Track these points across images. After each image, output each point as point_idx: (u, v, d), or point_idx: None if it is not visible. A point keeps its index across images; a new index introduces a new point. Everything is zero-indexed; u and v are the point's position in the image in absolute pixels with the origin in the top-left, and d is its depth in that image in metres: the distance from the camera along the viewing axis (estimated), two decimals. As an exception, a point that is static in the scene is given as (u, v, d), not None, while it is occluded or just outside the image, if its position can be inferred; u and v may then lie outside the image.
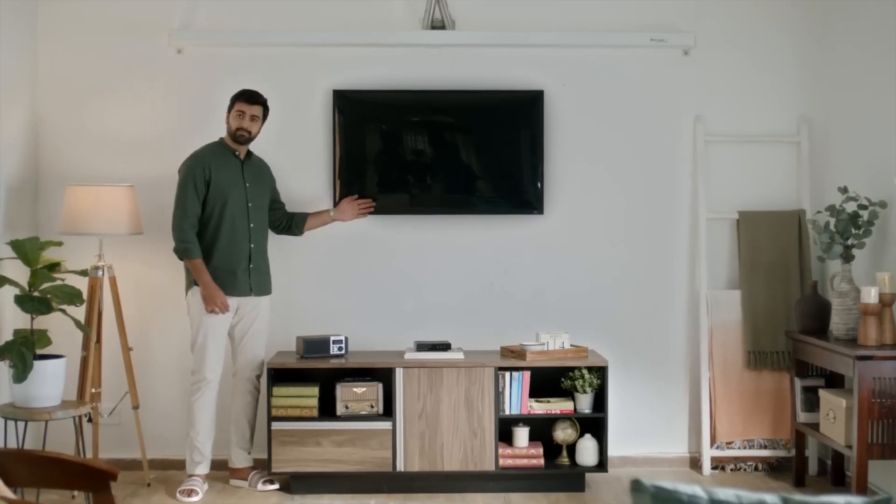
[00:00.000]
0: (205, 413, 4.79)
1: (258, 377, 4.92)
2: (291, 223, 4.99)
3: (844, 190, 4.73)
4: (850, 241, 4.68)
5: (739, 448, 5.20)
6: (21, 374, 4.38)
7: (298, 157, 5.25)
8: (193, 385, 4.81)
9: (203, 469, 4.85)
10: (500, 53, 5.23)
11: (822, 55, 5.25)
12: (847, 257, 4.70)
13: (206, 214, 4.74)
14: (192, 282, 4.74)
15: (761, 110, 5.28)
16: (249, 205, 4.77)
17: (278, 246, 5.17)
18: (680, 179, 5.29)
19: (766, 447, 5.21)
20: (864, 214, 4.69)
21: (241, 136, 4.77)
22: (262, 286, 4.86)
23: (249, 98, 4.76)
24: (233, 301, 4.78)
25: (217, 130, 4.95)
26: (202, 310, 4.71)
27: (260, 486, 4.88)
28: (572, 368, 4.86)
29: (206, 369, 4.77)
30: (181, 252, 4.68)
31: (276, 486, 4.88)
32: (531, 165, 5.21)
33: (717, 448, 5.20)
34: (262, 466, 4.95)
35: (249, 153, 4.88)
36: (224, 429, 4.96)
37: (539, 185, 5.19)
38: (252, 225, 4.77)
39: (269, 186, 4.94)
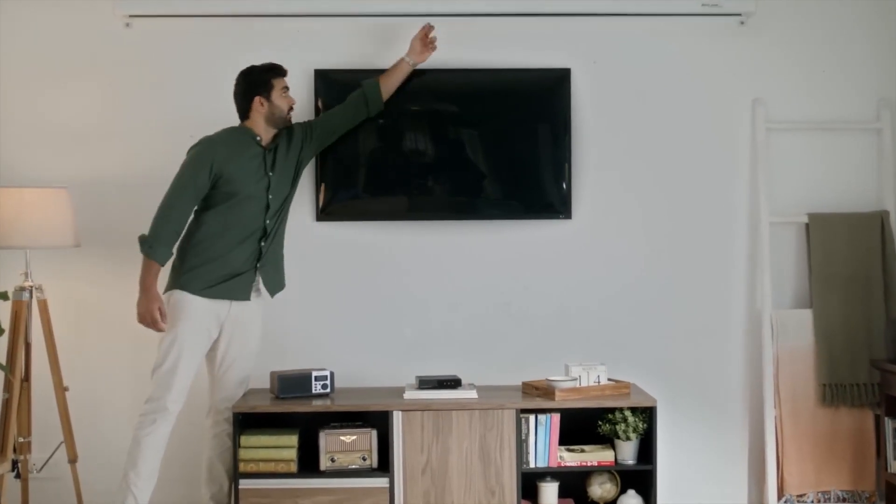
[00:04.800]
0: (154, 452, 4.24)
1: None
2: (368, 106, 4.58)
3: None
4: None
5: (813, 502, 4.77)
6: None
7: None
8: (146, 416, 4.23)
9: None
10: (518, 25, 4.80)
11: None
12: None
13: (206, 213, 4.27)
14: (174, 283, 4.24)
15: (834, 91, 4.87)
16: (270, 197, 4.32)
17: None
18: (736, 176, 4.88)
19: (845, 500, 4.77)
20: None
21: (290, 117, 4.44)
22: (274, 282, 4.44)
23: (281, 70, 4.42)
24: (221, 308, 4.27)
25: (179, 122, 4.68)
26: (178, 319, 4.20)
27: None
28: (612, 410, 4.38)
29: (168, 398, 4.21)
30: (146, 247, 4.18)
31: None
32: (555, 160, 4.78)
33: (786, 502, 4.76)
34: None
35: (276, 134, 4.47)
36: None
37: (565, 184, 4.78)
38: (268, 222, 4.34)
39: (295, 160, 4.48)
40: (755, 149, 4.81)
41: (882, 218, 4.73)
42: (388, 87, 4.58)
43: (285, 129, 4.44)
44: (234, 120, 4.47)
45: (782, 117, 4.83)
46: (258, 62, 4.62)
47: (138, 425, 4.25)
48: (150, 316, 4.13)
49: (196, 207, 4.27)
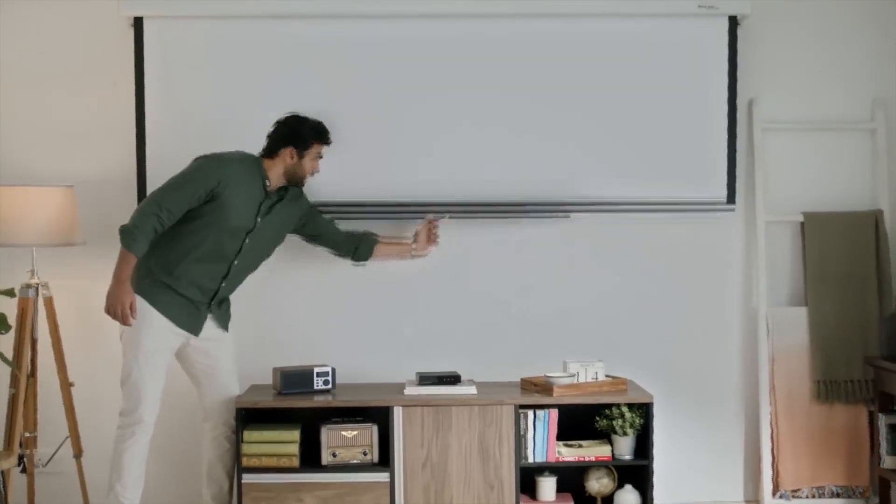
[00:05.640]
0: (137, 462, 4.20)
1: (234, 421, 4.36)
2: (356, 254, 4.53)
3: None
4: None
5: (807, 497, 4.74)
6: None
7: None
8: (125, 428, 4.19)
9: None
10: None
11: (901, 25, 4.78)
12: (950, 268, 4.04)
13: (189, 227, 4.15)
14: (137, 289, 4.12)
15: (829, 92, 4.83)
16: (246, 241, 4.20)
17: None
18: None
19: (839, 496, 4.74)
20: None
21: (305, 181, 4.35)
22: (224, 319, 4.37)
23: (327, 137, 4.34)
24: (180, 332, 4.22)
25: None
26: (140, 328, 4.11)
27: None
28: (609, 405, 4.35)
29: (142, 409, 4.16)
30: (129, 239, 4.03)
31: None
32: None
33: (781, 497, 4.72)
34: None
35: (279, 187, 4.32)
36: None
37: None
38: (236, 264, 4.22)
39: (286, 228, 4.39)
40: (751, 148, 4.75)
41: (876, 217, 4.70)
42: (381, 253, 4.53)
43: (294, 189, 4.33)
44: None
45: (777, 117, 4.77)
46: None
47: (118, 438, 4.20)
48: (122, 308, 4.03)
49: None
